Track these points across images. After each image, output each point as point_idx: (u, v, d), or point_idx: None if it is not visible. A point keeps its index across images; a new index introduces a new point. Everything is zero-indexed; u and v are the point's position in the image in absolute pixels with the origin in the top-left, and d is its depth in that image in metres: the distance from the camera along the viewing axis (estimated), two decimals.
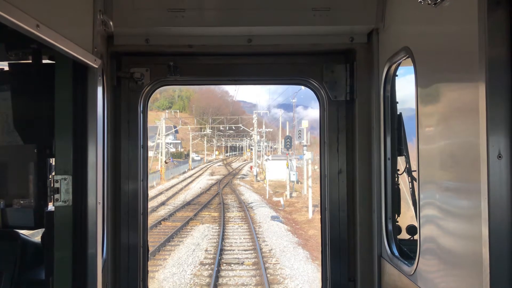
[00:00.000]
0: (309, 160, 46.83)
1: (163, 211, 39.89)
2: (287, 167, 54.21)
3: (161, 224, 34.12)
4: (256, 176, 76.50)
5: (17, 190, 4.52)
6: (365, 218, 5.10)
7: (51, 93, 4.11)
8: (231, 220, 36.17)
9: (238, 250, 26.72)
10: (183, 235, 30.51)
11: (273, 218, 37.09)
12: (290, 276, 21.76)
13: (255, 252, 25.78)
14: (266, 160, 78.68)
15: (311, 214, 38.83)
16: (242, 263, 23.97)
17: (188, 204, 44.46)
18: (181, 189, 59.33)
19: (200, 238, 29.63)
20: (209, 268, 23.04)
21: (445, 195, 3.42)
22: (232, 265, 23.70)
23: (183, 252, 26.15)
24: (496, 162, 2.72)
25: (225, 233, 30.87)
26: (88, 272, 4.08)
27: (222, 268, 23.18)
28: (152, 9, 4.87)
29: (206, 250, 26.55)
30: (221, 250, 26.30)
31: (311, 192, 40.74)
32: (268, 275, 21.63)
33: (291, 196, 52.04)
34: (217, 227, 32.97)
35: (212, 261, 24.26)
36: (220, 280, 21.28)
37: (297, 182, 60.24)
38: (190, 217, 36.40)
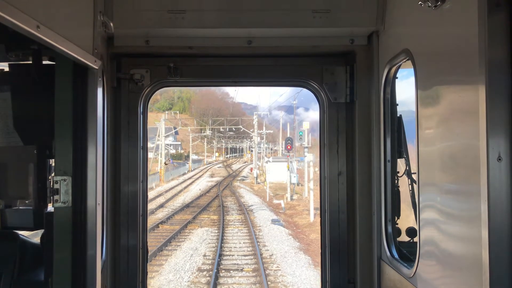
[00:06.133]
0: (310, 162, 46.44)
1: (161, 214, 39.41)
2: (288, 169, 54.11)
3: (158, 227, 33.55)
4: (256, 178, 76.34)
5: (17, 191, 4.52)
6: (365, 220, 5.10)
7: (51, 94, 4.12)
8: (230, 224, 35.75)
9: (237, 255, 26.03)
10: (181, 239, 29.95)
11: (273, 221, 36.65)
12: (292, 284, 21.05)
13: (255, 258, 25.12)
14: (266, 162, 78.71)
15: (313, 217, 38.10)
16: (242, 270, 23.33)
17: (187, 206, 44.11)
18: (180, 191, 59.12)
19: (198, 242, 29.04)
20: (207, 275, 22.37)
21: (445, 198, 3.42)
22: (231, 271, 23.06)
23: (180, 257, 25.52)
24: (496, 165, 2.72)
25: (224, 237, 30.38)
26: (87, 273, 4.07)
27: (221, 274, 22.52)
28: (153, 11, 4.88)
29: (204, 255, 25.93)
30: (220, 255, 25.62)
31: (312, 195, 40.14)
32: (269, 283, 20.96)
33: (291, 199, 51.81)
34: (216, 231, 32.50)
35: (210, 267, 23.65)
36: None
37: (298, 184, 60.16)
38: (189, 220, 35.98)
